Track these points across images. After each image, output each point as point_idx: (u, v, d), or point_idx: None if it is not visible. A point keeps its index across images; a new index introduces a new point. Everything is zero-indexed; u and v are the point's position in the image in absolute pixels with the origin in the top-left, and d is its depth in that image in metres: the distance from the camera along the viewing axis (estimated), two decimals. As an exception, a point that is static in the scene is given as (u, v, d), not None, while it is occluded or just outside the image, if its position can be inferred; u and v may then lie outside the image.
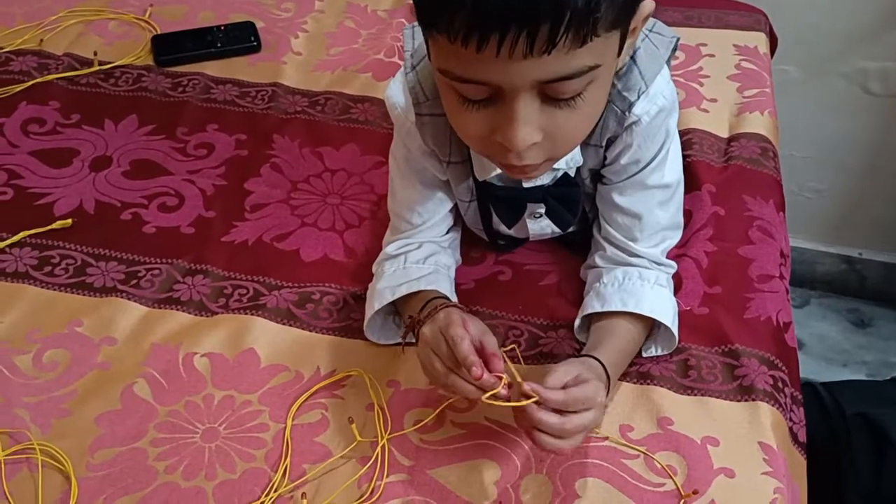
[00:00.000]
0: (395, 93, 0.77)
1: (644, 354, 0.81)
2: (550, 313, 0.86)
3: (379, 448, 0.73)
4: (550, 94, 0.59)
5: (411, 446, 0.74)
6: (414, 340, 0.75)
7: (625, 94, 0.73)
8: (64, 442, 0.74)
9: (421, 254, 0.83)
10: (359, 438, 0.74)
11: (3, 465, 0.72)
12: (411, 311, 0.77)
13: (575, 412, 0.66)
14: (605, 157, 0.78)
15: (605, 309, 0.78)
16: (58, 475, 0.72)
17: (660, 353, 0.81)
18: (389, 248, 0.84)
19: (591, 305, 0.80)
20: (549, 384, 0.66)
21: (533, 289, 0.89)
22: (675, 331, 0.79)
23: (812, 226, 1.62)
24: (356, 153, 1.05)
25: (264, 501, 0.70)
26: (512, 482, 0.72)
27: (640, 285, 0.79)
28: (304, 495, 0.70)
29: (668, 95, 0.75)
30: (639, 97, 0.73)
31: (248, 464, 0.73)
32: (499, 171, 0.76)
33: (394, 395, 0.79)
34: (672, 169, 0.80)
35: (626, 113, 0.74)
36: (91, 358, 0.81)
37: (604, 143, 0.77)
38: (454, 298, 0.81)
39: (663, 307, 0.78)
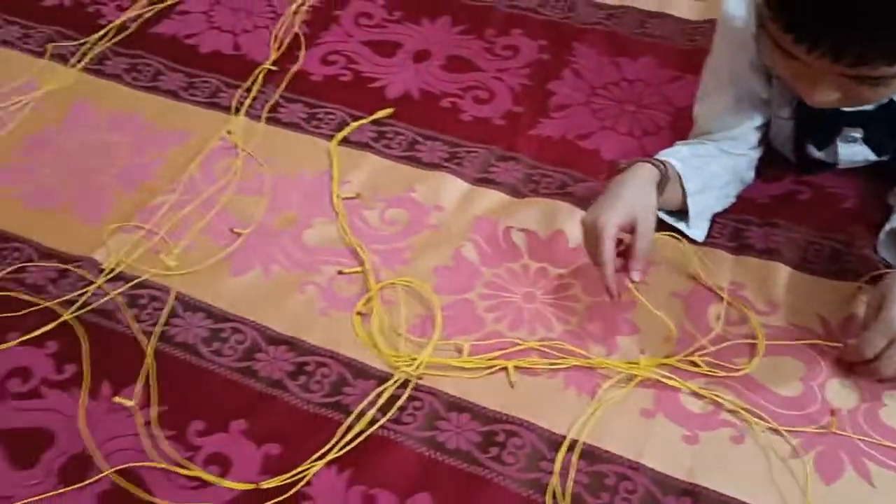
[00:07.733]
0: (735, 7, 0.82)
1: None
2: (850, 237, 0.87)
3: (694, 330, 0.80)
4: (852, 75, 0.67)
5: (719, 335, 0.80)
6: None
7: None
8: (408, 286, 0.87)
9: (700, 149, 0.87)
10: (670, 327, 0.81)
11: (378, 294, 0.85)
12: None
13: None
14: None
15: None
16: (415, 306, 0.84)
17: None
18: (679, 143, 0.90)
19: None
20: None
21: (832, 211, 0.90)
22: None
23: None
24: (652, 65, 1.10)
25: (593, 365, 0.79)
26: (818, 382, 0.76)
27: None
28: (641, 350, 0.79)
29: None
30: None
31: (565, 326, 0.83)
32: None
33: (694, 290, 0.85)
34: None
35: None
36: (424, 220, 0.93)
37: None
38: (688, 186, 0.84)
39: None
